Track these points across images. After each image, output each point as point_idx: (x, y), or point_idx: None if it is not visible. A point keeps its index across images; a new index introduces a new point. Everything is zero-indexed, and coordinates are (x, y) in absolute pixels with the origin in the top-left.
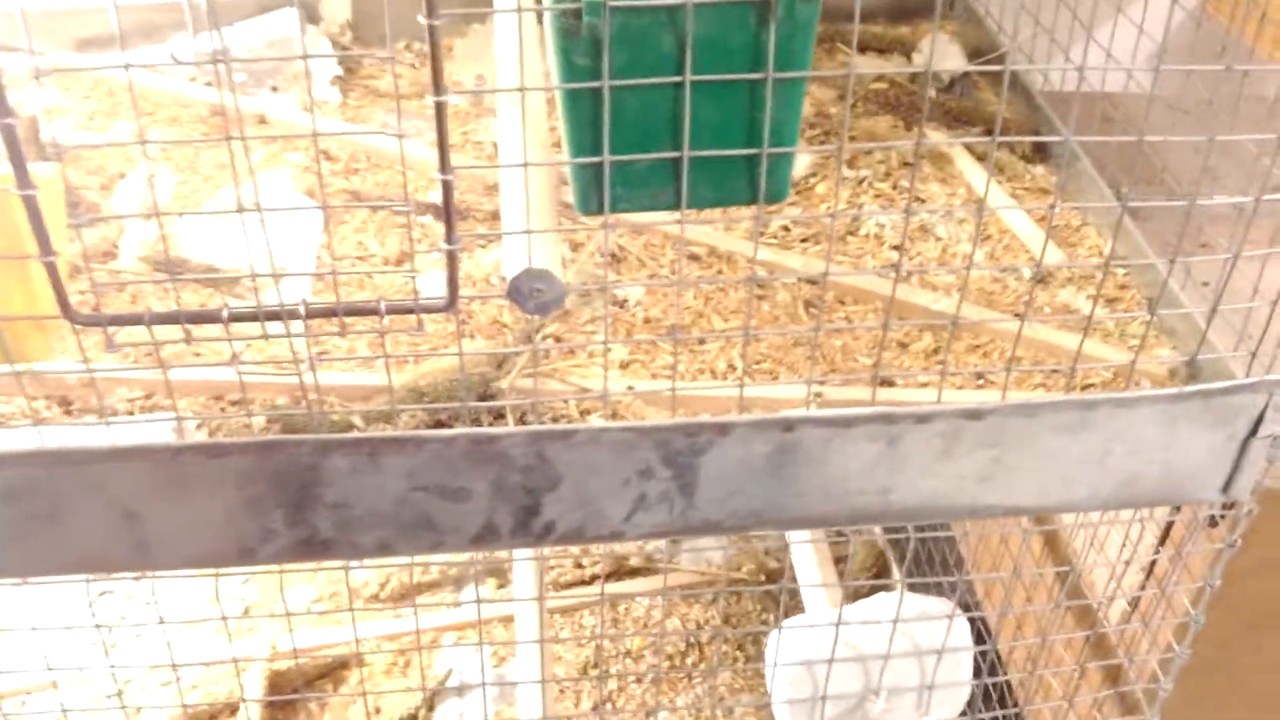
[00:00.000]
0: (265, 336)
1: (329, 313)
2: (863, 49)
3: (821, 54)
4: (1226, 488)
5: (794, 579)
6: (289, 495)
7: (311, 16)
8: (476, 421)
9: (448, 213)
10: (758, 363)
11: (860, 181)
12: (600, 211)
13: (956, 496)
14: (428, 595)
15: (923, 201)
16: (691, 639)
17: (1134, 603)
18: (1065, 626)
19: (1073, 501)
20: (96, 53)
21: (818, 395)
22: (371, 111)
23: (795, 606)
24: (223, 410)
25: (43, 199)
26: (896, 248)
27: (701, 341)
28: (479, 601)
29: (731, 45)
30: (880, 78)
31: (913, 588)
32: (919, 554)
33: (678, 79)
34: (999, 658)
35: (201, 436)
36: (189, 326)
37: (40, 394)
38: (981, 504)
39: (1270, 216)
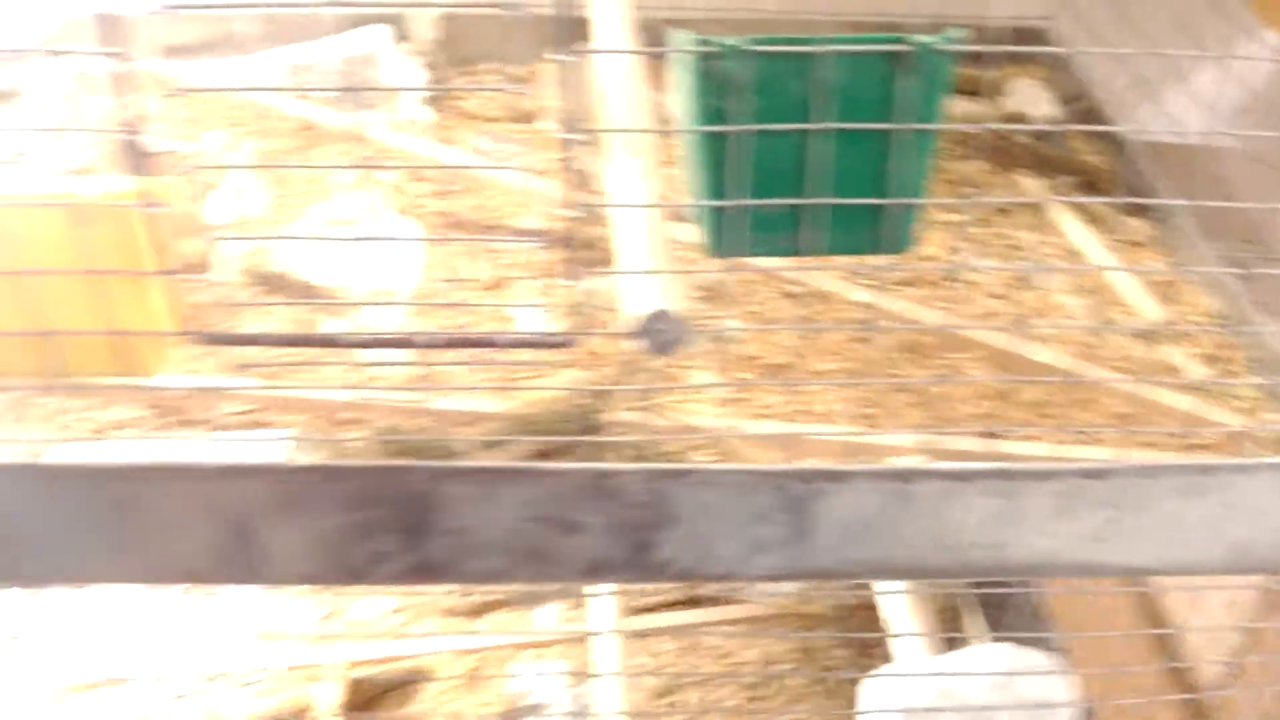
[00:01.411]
0: (391, 364)
1: (462, 343)
2: (958, 93)
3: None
4: None
5: (876, 619)
6: (406, 520)
7: (400, 34)
8: (584, 451)
9: (572, 253)
10: (868, 408)
11: (958, 226)
12: (731, 254)
13: (1071, 554)
14: (502, 612)
15: (1019, 250)
16: (769, 665)
17: (1234, 667)
18: (1158, 686)
19: (1184, 565)
20: (183, 60)
21: (928, 445)
22: (461, 133)
23: (872, 645)
24: (333, 428)
25: (165, 213)
26: (996, 296)
27: (818, 384)
28: (556, 627)
29: (864, 95)
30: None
31: (998, 639)
32: (1001, 604)
33: (823, 126)
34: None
35: (309, 454)
36: (314, 349)
37: (148, 405)
38: (1096, 563)
39: None
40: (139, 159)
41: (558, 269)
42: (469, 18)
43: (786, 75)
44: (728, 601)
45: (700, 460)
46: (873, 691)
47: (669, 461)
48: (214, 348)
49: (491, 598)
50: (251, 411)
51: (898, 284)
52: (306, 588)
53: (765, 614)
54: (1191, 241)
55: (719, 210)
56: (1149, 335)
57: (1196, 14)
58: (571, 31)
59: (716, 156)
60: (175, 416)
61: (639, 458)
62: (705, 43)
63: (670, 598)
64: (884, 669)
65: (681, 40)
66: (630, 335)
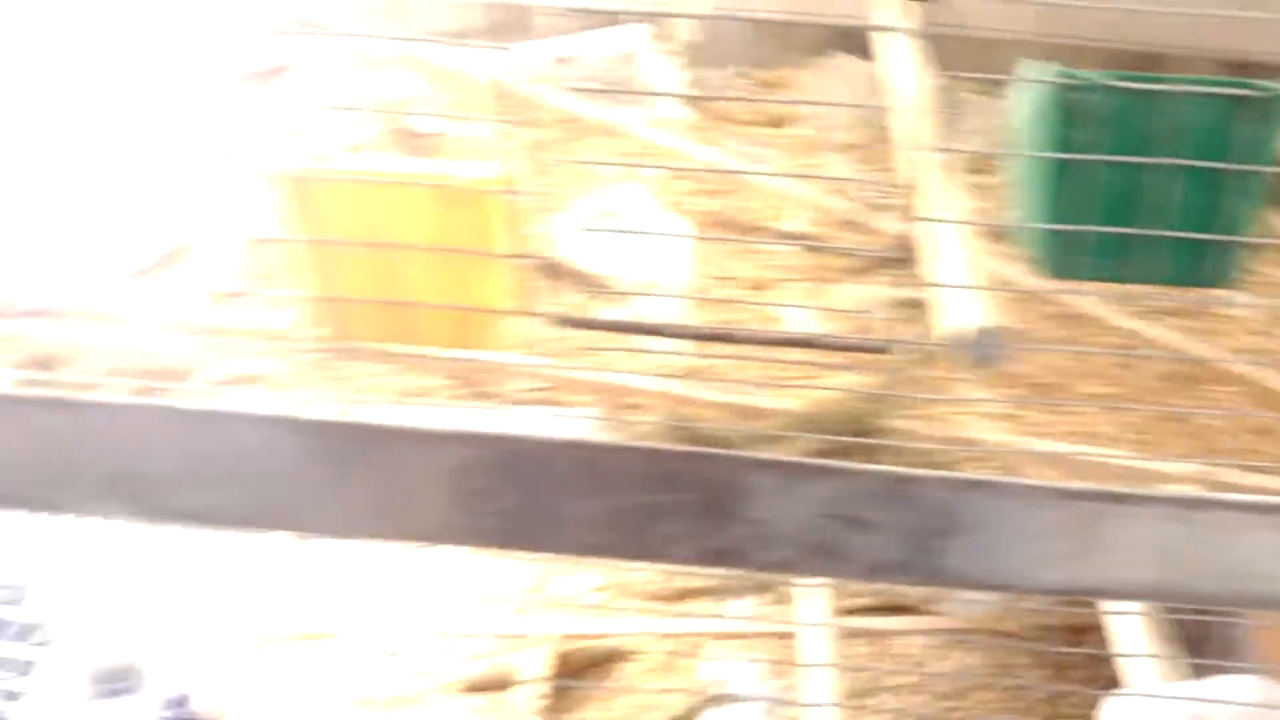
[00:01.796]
0: (756, 358)
1: (785, 341)
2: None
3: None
4: None
5: (1075, 639)
6: (706, 505)
7: (659, 33)
8: (862, 454)
9: (911, 267)
10: (1133, 433)
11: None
12: (1067, 276)
13: None
14: (702, 600)
15: None
16: (958, 685)
17: None
18: None
19: None
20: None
21: (1200, 475)
22: (717, 134)
23: (1068, 666)
24: (619, 411)
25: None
26: (1256, 333)
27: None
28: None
29: (1204, 134)
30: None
31: (1200, 669)
32: (1205, 635)
33: (1171, 161)
34: None
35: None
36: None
37: (449, 376)
38: None
39: None
40: (411, 141)
41: (828, 274)
42: (728, 22)
43: (1135, 110)
44: (924, 611)
45: (977, 472)
46: (1116, 711)
47: (942, 469)
48: (559, 329)
49: (692, 584)
50: (543, 389)
51: (1159, 313)
52: (523, 560)
53: (960, 627)
54: None
55: (1057, 234)
56: None
57: None
58: (839, 41)
59: (1059, 182)
60: (473, 388)
61: (916, 465)
62: (1067, 75)
63: (869, 602)
64: (1126, 690)
65: (1042, 71)
66: (956, 346)
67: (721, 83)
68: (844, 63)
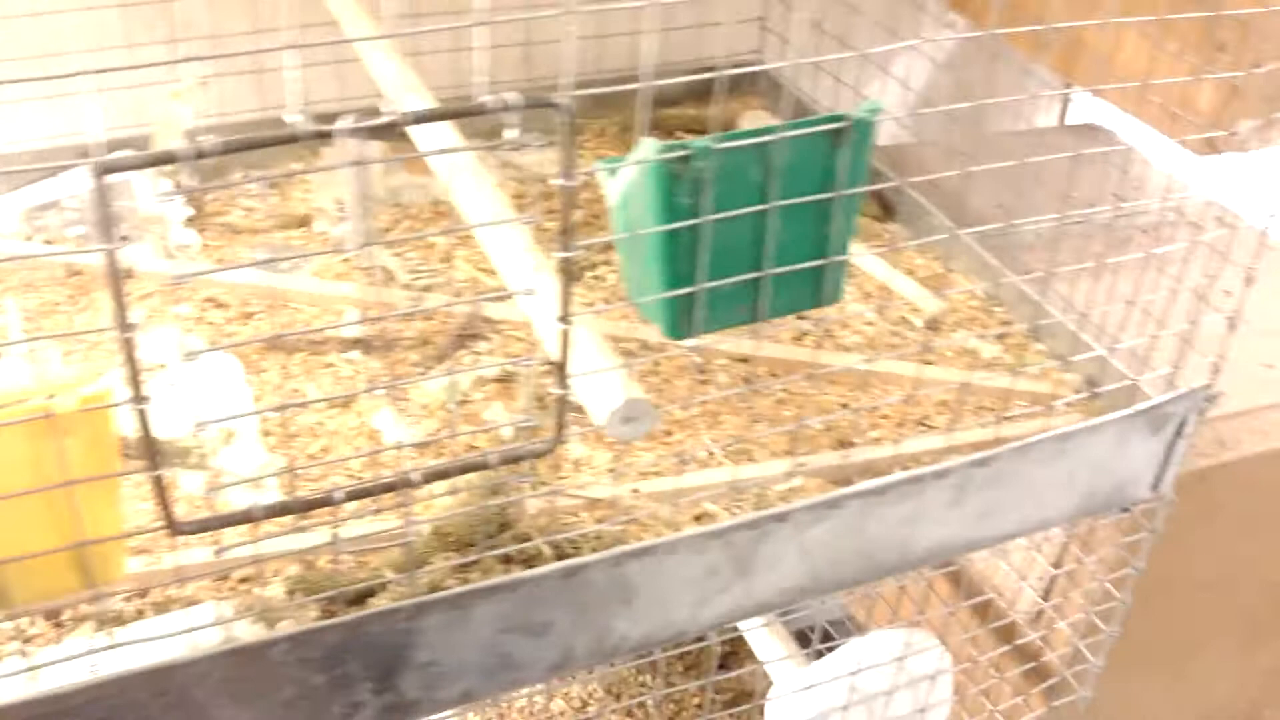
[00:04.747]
0: (378, 510)
1: (443, 474)
2: (686, 131)
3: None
4: (1156, 485)
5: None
6: (380, 665)
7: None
8: (500, 553)
9: (563, 361)
10: (727, 445)
11: None
12: (690, 335)
13: (959, 537)
14: None
15: None
16: (578, 716)
17: (1047, 596)
18: (987, 645)
19: (1044, 521)
20: None
21: (801, 464)
22: (235, 250)
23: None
24: (233, 590)
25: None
26: (801, 317)
27: (669, 432)
28: None
29: (808, 170)
30: None
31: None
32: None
33: (768, 205)
34: None
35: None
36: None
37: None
38: (977, 539)
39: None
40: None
41: (408, 368)
42: (218, 128)
43: (744, 163)
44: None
45: (607, 528)
46: (778, 710)
47: (594, 539)
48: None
49: None
50: (147, 597)
51: (781, 340)
52: None
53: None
54: (945, 232)
55: (679, 297)
56: (938, 325)
57: (896, 17)
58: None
59: (682, 250)
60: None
61: (555, 546)
62: (671, 148)
63: None
64: (779, 685)
65: (650, 147)
66: (608, 430)
67: (228, 194)
68: (354, 146)
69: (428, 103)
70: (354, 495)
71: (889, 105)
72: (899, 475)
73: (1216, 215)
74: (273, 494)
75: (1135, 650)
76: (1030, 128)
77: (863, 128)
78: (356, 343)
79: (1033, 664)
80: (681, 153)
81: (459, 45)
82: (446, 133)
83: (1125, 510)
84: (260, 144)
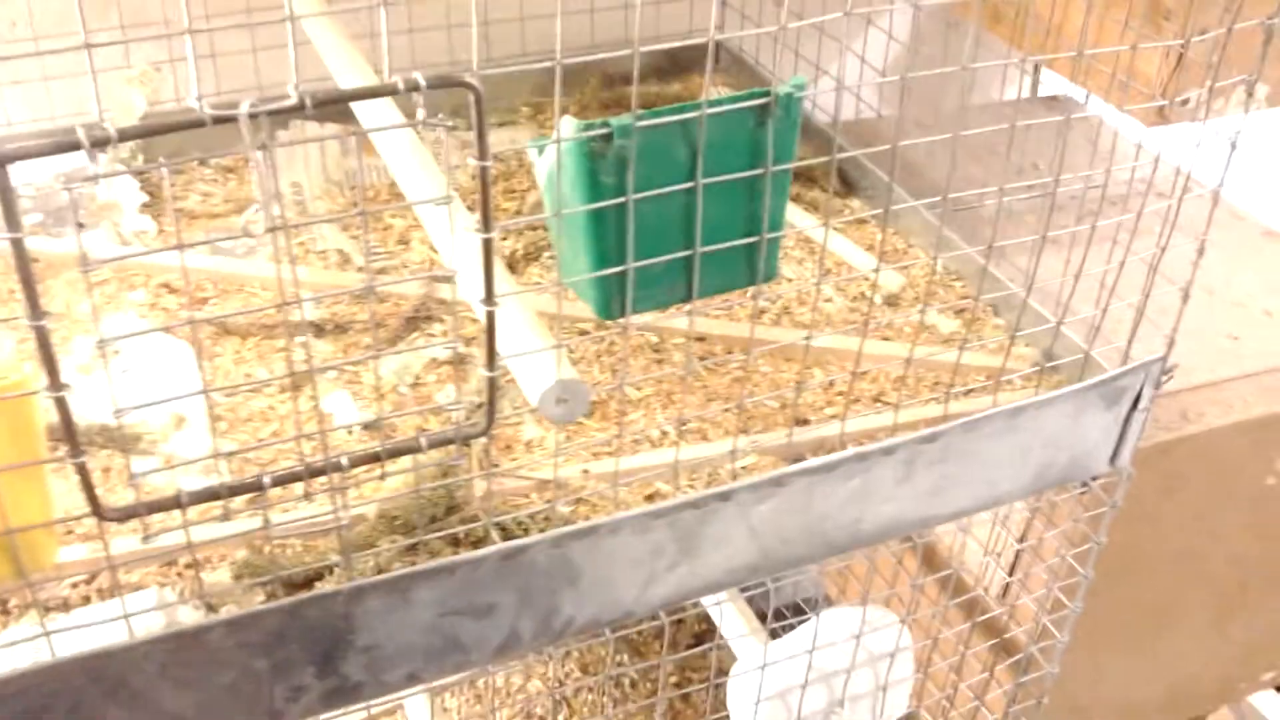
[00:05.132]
0: (308, 494)
1: (373, 458)
2: (647, 109)
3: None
4: (1114, 459)
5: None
6: (321, 649)
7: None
8: (450, 531)
9: (491, 346)
10: (685, 424)
11: None
12: (621, 315)
13: (911, 513)
14: None
15: None
16: (556, 695)
17: (1013, 571)
18: (956, 620)
19: (998, 497)
20: None
21: (753, 443)
22: (190, 234)
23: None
24: (179, 575)
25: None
26: (754, 295)
27: (624, 412)
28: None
29: (734, 146)
30: None
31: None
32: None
33: (691, 183)
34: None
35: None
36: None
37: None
38: (930, 516)
39: (1034, 212)
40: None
41: (361, 351)
42: (167, 114)
43: (668, 141)
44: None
45: (557, 508)
46: (741, 686)
47: (542, 519)
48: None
49: None
50: (91, 584)
51: (717, 317)
52: None
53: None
54: (912, 210)
55: (609, 278)
56: (897, 300)
57: None
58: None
59: (609, 230)
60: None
61: (503, 528)
62: (591, 126)
63: None
64: (744, 663)
65: (571, 125)
66: (540, 412)
67: (185, 179)
68: (309, 128)
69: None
70: (280, 480)
71: (854, 82)
72: (845, 452)
73: (1186, 186)
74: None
75: (1104, 625)
76: (999, 100)
77: (788, 103)
78: (309, 326)
79: (999, 639)
80: (602, 131)
81: (415, 26)
82: (388, 113)
83: (1084, 485)
84: (161, 130)
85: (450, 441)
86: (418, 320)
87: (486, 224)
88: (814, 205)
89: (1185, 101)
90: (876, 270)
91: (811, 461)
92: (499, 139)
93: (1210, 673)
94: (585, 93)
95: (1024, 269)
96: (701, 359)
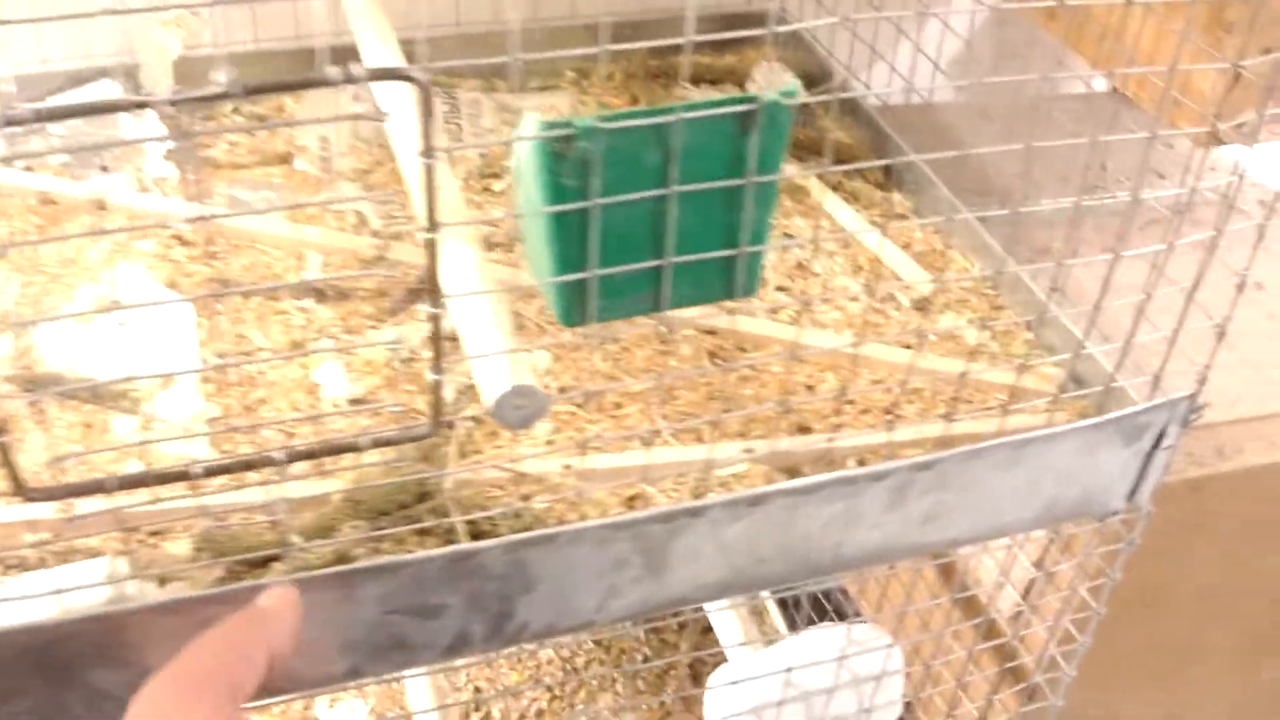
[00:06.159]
0: (241, 486)
1: (310, 454)
2: (695, 81)
3: (658, 88)
4: (1131, 496)
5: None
6: None
7: (133, 86)
8: (417, 522)
9: (437, 343)
10: (679, 420)
11: None
12: (584, 323)
13: (900, 540)
14: None
15: (791, 237)
16: (568, 666)
17: (1026, 596)
18: (966, 642)
19: (1001, 528)
20: None
21: (749, 450)
22: (213, 185)
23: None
24: (140, 543)
25: None
26: (780, 289)
27: (619, 405)
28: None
29: (712, 154)
30: None
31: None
32: (796, 600)
33: (664, 191)
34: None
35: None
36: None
37: None
38: (920, 543)
39: (1092, 214)
40: None
41: (360, 320)
42: (203, 58)
43: (639, 145)
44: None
45: (539, 503)
46: (715, 698)
47: (512, 518)
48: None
49: None
50: (53, 540)
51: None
52: None
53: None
54: (951, 207)
55: (571, 283)
56: (925, 305)
57: None
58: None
59: (572, 234)
60: None
61: (472, 523)
62: (555, 125)
63: None
64: (721, 671)
65: (531, 124)
66: (493, 416)
67: (210, 126)
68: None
69: (389, 47)
70: (213, 471)
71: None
72: (830, 475)
73: (1259, 199)
74: (202, 446)
75: (1122, 661)
76: (1067, 93)
77: (774, 112)
78: (311, 290)
79: (1007, 665)
80: (564, 131)
81: None
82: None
83: (1102, 520)
84: (86, 111)
85: (392, 442)
86: (421, 291)
87: (432, 224)
88: (854, 195)
89: (1241, 125)
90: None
91: (793, 482)
92: (536, 104)
93: (1241, 715)
94: (632, 60)
95: (1073, 281)
96: (711, 355)
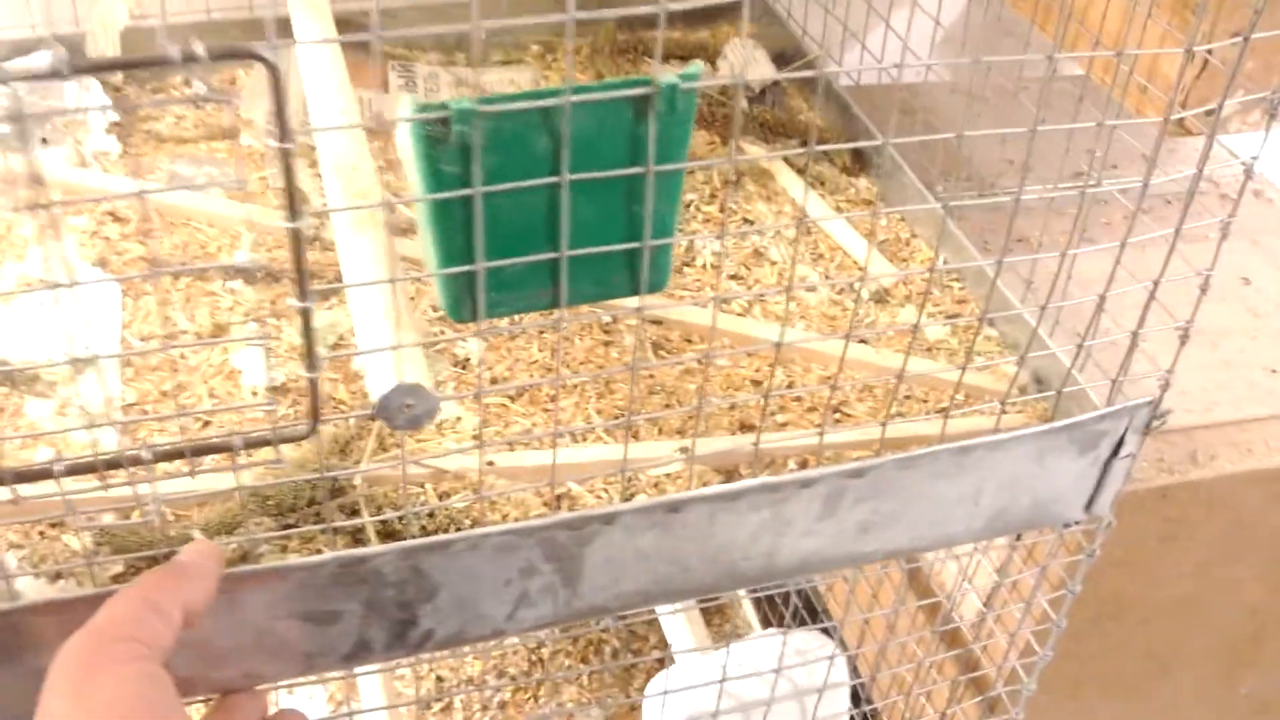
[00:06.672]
0: (106, 486)
1: (177, 454)
2: (665, 58)
3: (626, 64)
4: (1089, 506)
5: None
6: None
7: (77, 56)
8: (325, 520)
9: (309, 344)
10: (616, 416)
11: (688, 206)
12: (474, 319)
13: (836, 549)
14: None
15: (751, 223)
16: (533, 657)
17: (989, 604)
18: (930, 649)
19: (946, 539)
20: None
21: (683, 450)
22: (157, 159)
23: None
24: (41, 535)
25: None
26: (734, 277)
27: (554, 398)
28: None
29: (608, 141)
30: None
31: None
32: (770, 599)
33: (553, 179)
34: (862, 690)
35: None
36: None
37: None
38: (859, 553)
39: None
40: None
41: (282, 307)
42: (151, 29)
43: (524, 130)
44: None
45: (459, 502)
46: (653, 705)
47: (411, 505)
48: None
49: None
50: None
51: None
52: None
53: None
54: (919, 194)
55: (459, 276)
56: (885, 297)
57: None
58: (270, 32)
59: (455, 223)
60: None
61: (384, 522)
62: (429, 107)
63: None
64: (660, 677)
65: (407, 105)
66: (376, 415)
67: (157, 99)
68: (312, 60)
69: (318, 18)
70: (74, 470)
71: (881, 47)
72: (753, 481)
73: (1255, 189)
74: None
75: (1092, 673)
76: (1033, 76)
77: (673, 96)
78: (240, 272)
79: (972, 675)
80: (440, 114)
81: None
82: (329, 61)
83: (1062, 529)
84: None
85: (268, 442)
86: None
87: (292, 212)
88: (820, 180)
89: (1209, 113)
90: (862, 280)
91: (712, 488)
92: (497, 80)
93: None
94: (600, 35)
95: (1040, 274)
96: (655, 345)
